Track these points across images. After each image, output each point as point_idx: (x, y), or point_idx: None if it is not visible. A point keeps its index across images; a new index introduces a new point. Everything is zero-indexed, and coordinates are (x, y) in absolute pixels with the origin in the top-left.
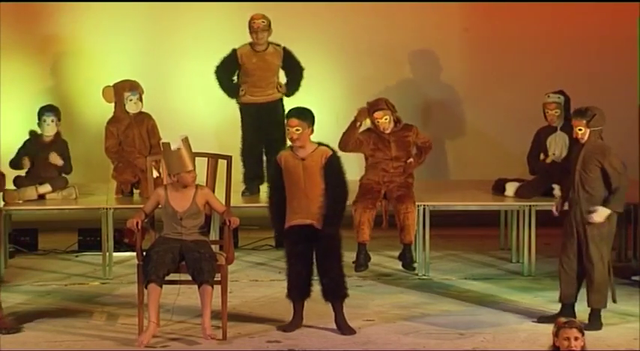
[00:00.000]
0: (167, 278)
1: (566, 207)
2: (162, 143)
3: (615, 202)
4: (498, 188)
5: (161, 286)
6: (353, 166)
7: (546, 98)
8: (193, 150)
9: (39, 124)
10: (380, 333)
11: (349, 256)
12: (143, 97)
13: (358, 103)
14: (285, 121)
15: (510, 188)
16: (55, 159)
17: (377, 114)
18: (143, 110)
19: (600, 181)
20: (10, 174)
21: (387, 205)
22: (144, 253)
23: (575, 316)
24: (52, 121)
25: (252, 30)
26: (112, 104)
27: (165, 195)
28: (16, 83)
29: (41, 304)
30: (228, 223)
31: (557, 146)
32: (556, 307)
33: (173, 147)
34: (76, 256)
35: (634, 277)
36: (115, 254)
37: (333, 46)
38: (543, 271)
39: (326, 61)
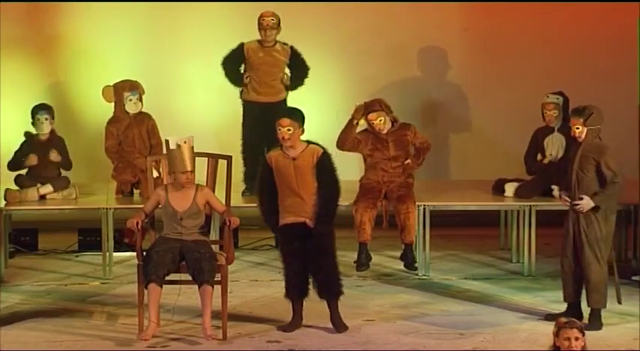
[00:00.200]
0: (167, 278)
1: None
2: (166, 140)
3: (602, 197)
4: (498, 188)
5: (161, 286)
6: (352, 167)
7: (545, 98)
8: (195, 149)
9: (33, 124)
10: (380, 333)
11: (350, 256)
12: (143, 97)
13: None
14: (276, 121)
15: (509, 189)
16: (55, 156)
17: (371, 115)
18: (143, 110)
19: (595, 181)
20: (9, 175)
21: (388, 205)
22: (144, 253)
23: (581, 316)
24: (46, 119)
25: (261, 27)
26: (112, 104)
27: (165, 195)
28: (16, 83)
29: (41, 304)
30: (228, 223)
31: (553, 147)
32: (556, 307)
33: (172, 145)
34: (76, 256)
35: (634, 277)
36: (115, 254)
37: (333, 45)
38: (543, 271)
39: (327, 60)
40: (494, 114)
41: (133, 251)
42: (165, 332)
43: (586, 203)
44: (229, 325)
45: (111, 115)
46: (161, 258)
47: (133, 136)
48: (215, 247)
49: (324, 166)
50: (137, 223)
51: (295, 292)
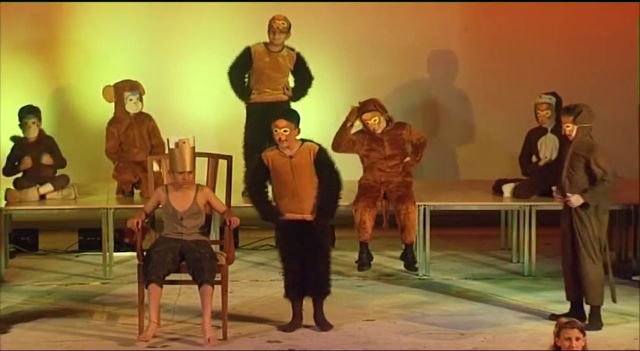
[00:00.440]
0: (167, 278)
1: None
2: (167, 139)
3: (590, 193)
4: (498, 189)
5: (161, 286)
6: (352, 167)
7: (538, 99)
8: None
9: (20, 126)
10: (380, 333)
11: (351, 256)
12: (143, 97)
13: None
14: (273, 122)
15: (507, 189)
16: (47, 160)
17: (365, 116)
18: (144, 111)
19: (586, 179)
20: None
21: (388, 205)
22: (144, 253)
23: (584, 316)
24: (33, 122)
25: (271, 30)
26: (112, 104)
27: (165, 195)
28: (16, 83)
29: (41, 304)
30: (228, 223)
31: (547, 148)
32: (556, 307)
33: (171, 144)
34: (77, 256)
35: (634, 277)
36: (115, 254)
37: (334, 46)
38: (543, 271)
39: (328, 61)
40: (496, 114)
41: (134, 251)
42: (166, 332)
43: (575, 199)
44: (229, 325)
45: (111, 115)
46: (161, 258)
47: (133, 137)
48: (215, 247)
49: (323, 161)
50: (137, 223)
51: (295, 292)
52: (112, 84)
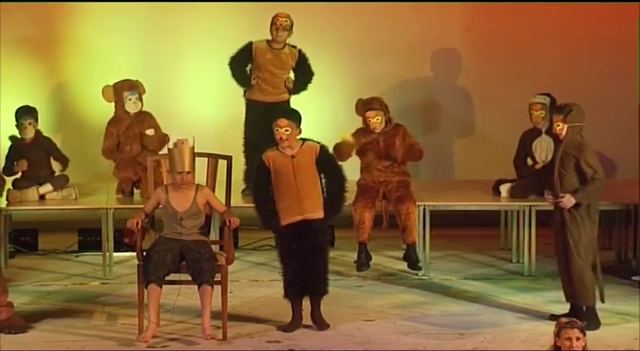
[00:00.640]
0: (167, 278)
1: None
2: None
3: (582, 193)
4: (498, 189)
5: (161, 287)
6: (351, 167)
7: (532, 99)
8: (195, 150)
9: (17, 127)
10: (380, 333)
11: (350, 256)
12: (143, 96)
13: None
14: (274, 121)
15: (504, 189)
16: (57, 165)
17: (369, 113)
18: (144, 110)
19: (576, 178)
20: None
21: (387, 206)
22: (144, 254)
23: (598, 318)
24: (30, 123)
25: (273, 27)
26: (113, 104)
27: (165, 195)
28: (16, 83)
29: (41, 305)
30: (228, 224)
31: (542, 150)
32: (556, 307)
33: (170, 144)
34: (76, 257)
35: (634, 277)
36: (115, 254)
37: (334, 45)
38: (543, 271)
39: (329, 61)
40: (496, 114)
41: (133, 251)
42: (165, 332)
43: (567, 200)
44: (229, 326)
45: (112, 115)
46: (161, 258)
47: (133, 136)
48: (215, 248)
49: (327, 160)
50: (137, 223)
51: (294, 292)
52: (111, 84)
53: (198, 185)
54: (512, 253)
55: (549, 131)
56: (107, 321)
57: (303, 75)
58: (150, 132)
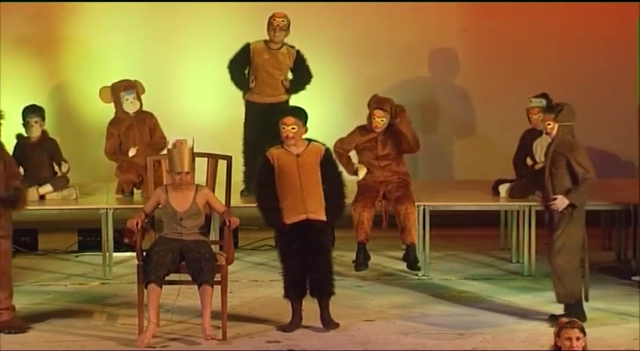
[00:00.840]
0: (167, 278)
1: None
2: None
3: (575, 193)
4: (497, 189)
5: (161, 287)
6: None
7: (529, 103)
8: (195, 150)
9: (23, 126)
10: (380, 333)
11: (349, 256)
12: (142, 96)
13: (358, 102)
14: (280, 119)
15: (503, 189)
16: (65, 168)
17: (377, 112)
18: (145, 109)
19: (567, 178)
20: None
21: (387, 206)
22: (144, 254)
23: (584, 314)
24: (36, 122)
25: (271, 27)
26: (112, 105)
27: (165, 195)
28: (17, 83)
29: (41, 305)
30: (228, 224)
31: (542, 150)
32: (556, 307)
33: (170, 145)
34: (76, 257)
35: (634, 278)
36: (115, 254)
37: (333, 45)
38: (543, 271)
39: (328, 61)
40: (495, 114)
41: (133, 251)
42: (165, 332)
43: (560, 201)
44: (229, 326)
45: (111, 115)
46: (161, 258)
47: (134, 137)
48: (215, 248)
49: (330, 164)
50: (137, 223)
51: (294, 292)
52: (108, 85)
53: (197, 185)
54: (511, 253)
55: None
56: (107, 321)
57: (302, 76)
58: (132, 152)
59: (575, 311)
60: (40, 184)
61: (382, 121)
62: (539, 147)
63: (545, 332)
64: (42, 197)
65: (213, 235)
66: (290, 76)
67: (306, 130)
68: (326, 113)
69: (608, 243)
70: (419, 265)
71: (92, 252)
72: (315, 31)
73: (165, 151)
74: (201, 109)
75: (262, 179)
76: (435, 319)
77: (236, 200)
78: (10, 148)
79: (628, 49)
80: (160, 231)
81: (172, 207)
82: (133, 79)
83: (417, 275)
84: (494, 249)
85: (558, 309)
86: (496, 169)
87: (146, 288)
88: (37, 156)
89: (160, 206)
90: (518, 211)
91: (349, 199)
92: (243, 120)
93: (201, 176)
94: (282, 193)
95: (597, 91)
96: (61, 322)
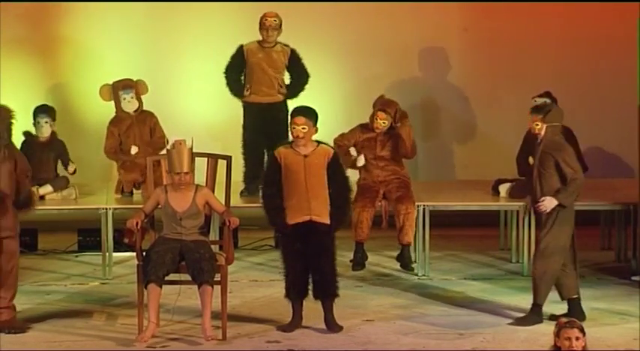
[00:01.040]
0: (167, 278)
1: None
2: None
3: (564, 193)
4: (497, 189)
5: (161, 287)
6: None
7: (533, 103)
8: (194, 150)
9: (34, 125)
10: (379, 333)
11: (348, 256)
12: (143, 96)
13: (358, 102)
14: (291, 118)
15: (503, 189)
16: (72, 169)
17: (380, 114)
18: (145, 109)
19: (556, 178)
20: None
21: (387, 206)
22: (144, 254)
23: (583, 314)
24: (47, 122)
25: (263, 27)
26: (112, 104)
27: (164, 195)
28: (16, 83)
29: (41, 305)
30: (228, 224)
31: None
32: (556, 307)
33: (169, 145)
34: (76, 257)
35: (633, 278)
36: (114, 254)
37: (333, 45)
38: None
39: (327, 61)
40: (495, 114)
41: (133, 251)
42: (165, 332)
43: (549, 202)
44: (229, 326)
45: (111, 115)
46: (161, 258)
47: (134, 136)
48: (215, 248)
49: (337, 167)
50: (137, 223)
51: (295, 293)
52: (109, 83)
53: (197, 185)
54: (511, 253)
55: None
56: (107, 321)
57: (299, 77)
58: (134, 150)
59: (536, 311)
60: (41, 185)
61: (384, 123)
62: None
63: (545, 332)
64: (42, 197)
65: (213, 235)
66: (287, 77)
67: (316, 131)
68: (325, 113)
69: (607, 243)
70: (413, 265)
71: (92, 252)
72: (316, 31)
73: (164, 151)
74: (201, 109)
75: (268, 178)
76: (434, 319)
77: (236, 200)
78: (17, 144)
79: (628, 49)
80: (159, 231)
81: (172, 207)
82: (135, 78)
83: (416, 275)
84: (494, 249)
85: (558, 309)
86: (496, 169)
87: (146, 288)
88: (45, 156)
89: (159, 206)
90: (517, 211)
91: None
92: (242, 122)
93: (200, 176)
94: (287, 193)
95: (597, 91)
96: (60, 322)
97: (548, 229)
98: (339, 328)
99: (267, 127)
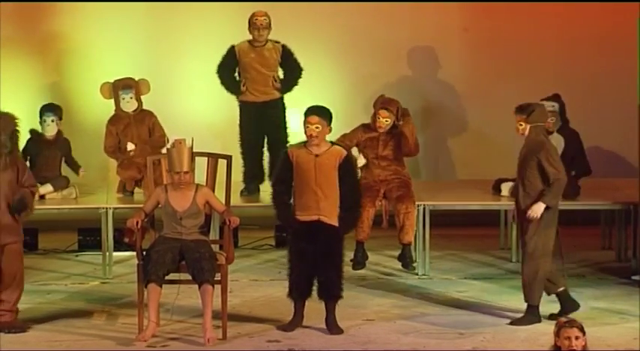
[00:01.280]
0: (167, 278)
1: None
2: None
3: (549, 195)
4: (498, 188)
5: (161, 286)
6: None
7: None
8: (194, 149)
9: (40, 123)
10: (380, 333)
11: (348, 255)
12: (143, 97)
13: (357, 101)
14: (304, 118)
15: (505, 188)
16: (81, 173)
17: (382, 112)
18: (145, 108)
19: (538, 177)
20: None
21: (388, 205)
22: (144, 253)
23: (574, 301)
24: (53, 120)
25: (253, 27)
26: (112, 103)
27: (165, 195)
28: (17, 81)
29: (41, 304)
30: (228, 223)
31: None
32: (556, 306)
33: (169, 144)
34: (76, 256)
35: (634, 277)
36: (115, 254)
37: (333, 44)
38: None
39: (326, 59)
40: (495, 114)
41: (133, 251)
42: (165, 332)
43: (538, 208)
44: (229, 325)
45: (111, 114)
46: (161, 258)
47: (131, 135)
48: (215, 247)
49: (349, 169)
50: (137, 222)
51: (298, 292)
52: (111, 81)
53: (197, 185)
54: (512, 252)
55: (560, 130)
56: (107, 320)
57: (292, 71)
58: (130, 146)
59: (533, 312)
60: (42, 184)
61: (386, 121)
62: None
63: (546, 332)
64: (42, 197)
65: (213, 235)
66: (280, 73)
67: (330, 130)
68: None
69: (608, 242)
70: (414, 265)
71: (92, 251)
72: (316, 30)
73: (164, 151)
74: (202, 108)
75: (280, 176)
76: (435, 318)
77: (236, 200)
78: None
79: (628, 49)
80: (159, 230)
81: (172, 206)
82: (137, 78)
83: (417, 275)
84: (494, 248)
85: (558, 308)
86: (497, 169)
87: (146, 287)
88: (51, 154)
89: (159, 206)
90: None
91: None
92: (238, 121)
93: (201, 176)
94: (297, 192)
95: (597, 90)
96: (61, 322)
97: (534, 232)
98: (340, 331)
99: (264, 125)
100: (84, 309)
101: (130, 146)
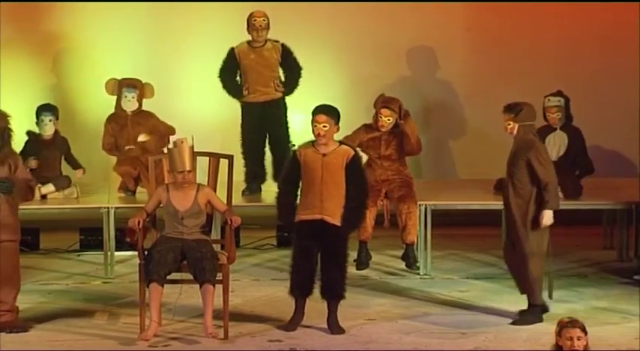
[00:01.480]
0: (169, 277)
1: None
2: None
3: (550, 200)
4: (499, 188)
5: (163, 286)
6: None
7: (547, 102)
8: (196, 149)
9: (37, 124)
10: (381, 332)
11: (351, 255)
12: (145, 98)
13: (358, 101)
14: (312, 116)
15: None
16: (80, 174)
17: (384, 111)
18: (144, 109)
19: (527, 177)
20: None
21: (389, 205)
22: (145, 253)
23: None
24: (50, 120)
25: (252, 27)
26: (114, 101)
27: (166, 194)
28: (16, 81)
29: (43, 304)
30: (229, 223)
31: (554, 145)
32: (556, 306)
33: (170, 144)
34: (78, 256)
35: (635, 277)
36: (116, 253)
37: (334, 44)
38: (544, 270)
39: (327, 59)
40: (497, 113)
41: (135, 250)
42: (167, 331)
43: (548, 217)
44: (230, 325)
45: (112, 111)
46: (162, 257)
47: (127, 136)
48: (216, 247)
49: (356, 169)
50: (139, 222)
51: (299, 291)
52: (117, 78)
53: (199, 184)
54: None
55: (564, 127)
56: (109, 320)
57: (292, 71)
58: (142, 138)
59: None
60: (43, 184)
61: (389, 120)
62: (552, 141)
63: (547, 331)
64: (44, 196)
65: (215, 234)
66: (281, 73)
67: (337, 129)
68: None
69: (609, 242)
70: (418, 264)
71: (94, 251)
72: (317, 30)
73: (165, 151)
74: (203, 108)
75: (286, 175)
76: (436, 318)
77: (237, 199)
78: (17, 141)
79: (628, 49)
80: (161, 230)
81: (174, 206)
82: (144, 81)
83: (418, 274)
84: (496, 248)
85: (557, 308)
86: (498, 169)
87: (148, 287)
88: (51, 154)
89: (161, 205)
90: None
91: None
92: (241, 121)
93: (202, 175)
94: (303, 190)
95: (599, 90)
96: (62, 321)
97: (528, 232)
98: (341, 331)
99: (265, 125)
100: (85, 309)
101: (142, 137)
